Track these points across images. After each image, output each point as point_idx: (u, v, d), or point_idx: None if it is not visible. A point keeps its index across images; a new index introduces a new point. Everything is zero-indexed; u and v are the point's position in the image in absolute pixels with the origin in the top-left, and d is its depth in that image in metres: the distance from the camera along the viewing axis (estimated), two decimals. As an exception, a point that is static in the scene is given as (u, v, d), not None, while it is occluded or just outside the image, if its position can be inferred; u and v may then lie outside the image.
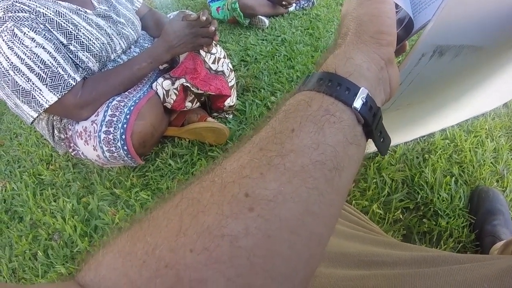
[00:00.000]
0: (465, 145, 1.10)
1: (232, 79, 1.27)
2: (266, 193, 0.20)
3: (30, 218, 1.12)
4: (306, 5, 2.42)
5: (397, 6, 0.32)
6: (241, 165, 0.22)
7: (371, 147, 0.29)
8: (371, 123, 0.26)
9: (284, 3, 2.18)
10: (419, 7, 0.33)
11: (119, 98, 1.02)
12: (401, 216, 0.90)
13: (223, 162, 0.23)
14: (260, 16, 2.12)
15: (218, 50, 1.19)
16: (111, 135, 0.97)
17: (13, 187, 1.28)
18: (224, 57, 1.22)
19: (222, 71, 1.19)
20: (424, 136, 1.13)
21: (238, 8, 2.09)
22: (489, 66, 0.39)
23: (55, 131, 1.10)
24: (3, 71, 0.90)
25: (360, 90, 0.25)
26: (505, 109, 1.32)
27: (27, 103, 0.93)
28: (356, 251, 0.45)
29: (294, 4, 2.32)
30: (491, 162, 1.06)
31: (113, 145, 0.97)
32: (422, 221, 0.89)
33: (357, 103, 0.25)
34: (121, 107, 0.99)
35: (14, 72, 0.89)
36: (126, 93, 1.06)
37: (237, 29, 2.22)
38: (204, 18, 1.03)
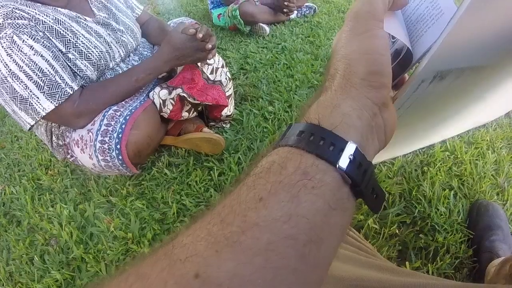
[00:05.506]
0: (465, 157, 1.08)
1: (230, 89, 1.27)
2: (220, 275, 0.17)
3: (28, 222, 1.12)
4: (307, 12, 2.41)
5: (392, 36, 0.29)
6: (196, 239, 0.19)
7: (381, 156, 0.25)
8: (360, 182, 0.22)
9: (285, 10, 2.16)
10: (416, 34, 0.30)
11: (115, 108, 1.02)
12: (397, 231, 0.88)
13: (186, 230, 0.21)
14: (261, 24, 2.11)
15: (216, 60, 1.19)
16: (106, 144, 0.97)
17: (12, 191, 1.29)
18: (222, 67, 1.22)
19: (220, 81, 1.19)
20: (423, 148, 1.11)
21: (239, 16, 2.07)
22: (492, 79, 0.37)
23: (53, 138, 1.11)
24: (1, 78, 0.90)
25: (347, 145, 0.22)
26: (507, 119, 1.29)
27: (25, 110, 0.94)
28: (347, 275, 0.43)
29: (295, 11, 2.30)
30: (491, 175, 1.04)
31: (108, 154, 0.98)
32: (419, 236, 0.87)
33: (343, 162, 0.21)
34: (117, 116, 0.99)
35: (13, 79, 0.90)
36: (123, 102, 1.06)
37: (238, 36, 2.21)
38: (200, 35, 1.03)
